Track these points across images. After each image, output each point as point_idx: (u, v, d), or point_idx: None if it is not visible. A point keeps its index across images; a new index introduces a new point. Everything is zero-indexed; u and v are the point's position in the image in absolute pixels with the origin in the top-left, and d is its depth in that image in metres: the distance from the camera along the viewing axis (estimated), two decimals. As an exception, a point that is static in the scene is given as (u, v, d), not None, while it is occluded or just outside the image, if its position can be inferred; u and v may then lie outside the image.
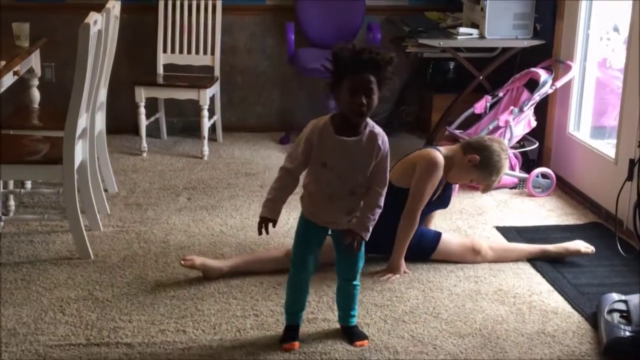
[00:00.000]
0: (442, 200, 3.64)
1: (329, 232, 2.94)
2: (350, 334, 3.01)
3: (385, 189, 2.85)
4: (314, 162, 2.79)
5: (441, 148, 3.60)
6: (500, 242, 3.91)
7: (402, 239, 3.50)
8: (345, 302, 3.01)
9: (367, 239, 2.83)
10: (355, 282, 2.98)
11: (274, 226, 2.82)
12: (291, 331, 2.97)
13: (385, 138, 2.81)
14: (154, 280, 3.45)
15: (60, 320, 3.10)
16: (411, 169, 3.52)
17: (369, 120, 2.77)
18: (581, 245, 3.74)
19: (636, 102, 3.99)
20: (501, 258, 3.69)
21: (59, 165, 3.55)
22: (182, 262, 3.40)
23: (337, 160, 2.76)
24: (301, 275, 2.93)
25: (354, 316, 3.03)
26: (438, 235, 3.67)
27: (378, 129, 2.79)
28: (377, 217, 2.84)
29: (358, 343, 2.97)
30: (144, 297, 3.29)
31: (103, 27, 3.70)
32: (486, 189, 3.65)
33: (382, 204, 2.84)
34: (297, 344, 2.93)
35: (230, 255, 3.68)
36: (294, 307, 2.98)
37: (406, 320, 3.17)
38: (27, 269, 3.52)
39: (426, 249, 3.63)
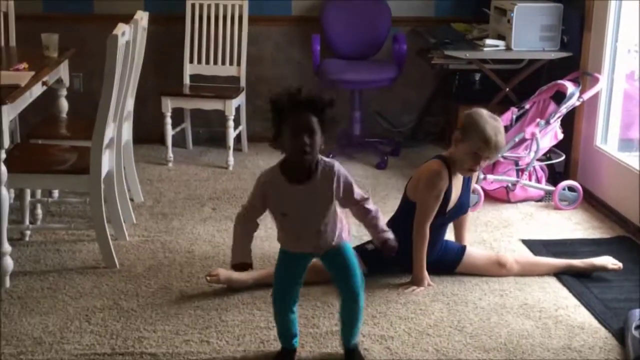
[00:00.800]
0: (458, 207, 3.59)
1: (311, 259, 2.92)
2: (351, 356, 2.92)
3: (367, 196, 2.82)
4: (274, 213, 2.79)
5: (445, 152, 3.56)
6: (526, 255, 3.87)
7: (417, 252, 3.48)
8: (349, 317, 2.90)
9: (392, 236, 2.81)
10: (359, 298, 2.87)
11: (251, 268, 2.86)
12: (285, 354, 2.92)
13: (340, 168, 2.73)
14: (178, 290, 3.46)
15: (85, 330, 3.12)
16: (418, 182, 3.51)
17: (318, 157, 2.71)
18: (609, 262, 3.69)
19: (665, 115, 3.95)
20: (527, 272, 3.66)
21: (86, 174, 3.58)
22: (208, 277, 3.43)
23: (295, 209, 2.74)
24: (285, 307, 2.88)
25: (356, 334, 2.93)
26: (463, 248, 3.65)
27: (329, 163, 2.72)
28: (380, 213, 2.82)
29: None
30: (168, 307, 3.31)
31: (131, 38, 3.73)
32: (487, 158, 3.45)
33: (373, 206, 2.82)
34: None
35: (255, 266, 3.68)
36: (286, 335, 2.93)
37: (430, 334, 3.15)
38: (53, 278, 3.55)
39: (451, 262, 3.62)
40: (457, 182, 3.54)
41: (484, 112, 3.46)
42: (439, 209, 3.48)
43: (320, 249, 2.83)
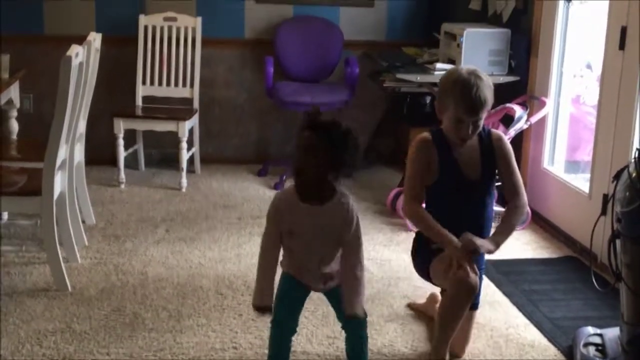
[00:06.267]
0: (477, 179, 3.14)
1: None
2: None
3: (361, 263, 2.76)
4: (284, 231, 2.76)
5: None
6: None
7: (427, 231, 3.07)
8: (356, 352, 2.89)
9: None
10: (362, 332, 2.87)
11: (270, 312, 2.80)
12: None
13: (354, 206, 2.74)
14: (132, 313, 3.43)
15: (37, 353, 3.07)
16: None
17: (339, 188, 2.73)
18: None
19: (609, 138, 4.07)
20: None
21: (37, 196, 3.54)
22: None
23: (303, 229, 2.73)
24: (283, 334, 2.86)
25: None
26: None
27: (346, 196, 2.73)
28: (361, 287, 2.75)
29: None
30: (122, 330, 3.28)
31: (84, 59, 3.72)
32: (472, 121, 3.00)
33: (359, 274, 2.75)
34: None
35: (209, 287, 3.68)
36: None
37: (385, 354, 3.17)
38: (3, 301, 3.49)
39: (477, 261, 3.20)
40: (467, 151, 3.13)
41: (458, 71, 3.04)
42: (446, 180, 3.11)
43: (317, 285, 2.81)
